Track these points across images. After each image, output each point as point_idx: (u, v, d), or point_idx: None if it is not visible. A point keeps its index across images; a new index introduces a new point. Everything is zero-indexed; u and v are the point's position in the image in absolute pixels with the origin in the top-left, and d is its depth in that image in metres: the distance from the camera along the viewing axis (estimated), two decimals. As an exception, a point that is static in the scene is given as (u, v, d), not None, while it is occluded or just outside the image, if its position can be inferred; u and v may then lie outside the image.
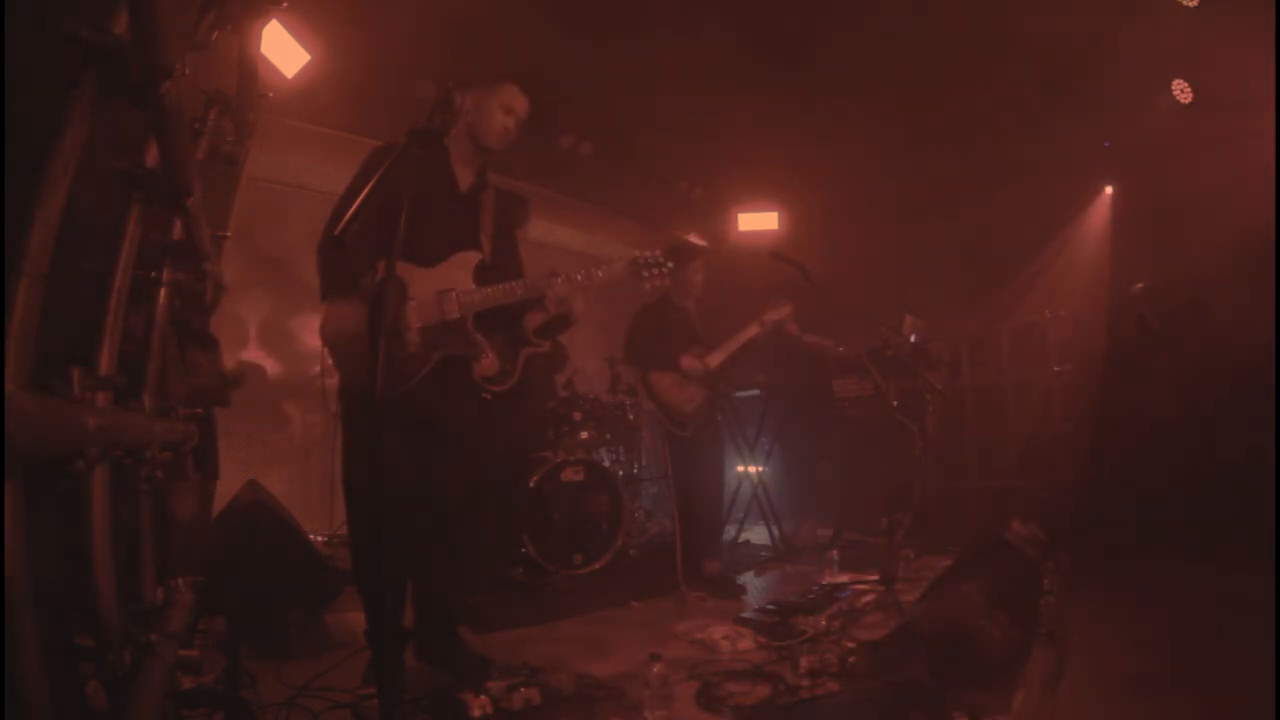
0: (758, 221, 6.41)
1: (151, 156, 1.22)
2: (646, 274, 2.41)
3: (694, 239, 4.05)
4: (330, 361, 2.11)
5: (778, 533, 4.62)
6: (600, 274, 2.30)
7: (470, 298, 2.13)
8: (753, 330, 3.70)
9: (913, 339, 4.65)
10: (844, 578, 3.38)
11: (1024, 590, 2.29)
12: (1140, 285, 4.52)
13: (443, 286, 2.11)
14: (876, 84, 4.82)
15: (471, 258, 2.20)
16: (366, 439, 2.01)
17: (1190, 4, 4.38)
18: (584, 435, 4.19)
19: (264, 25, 2.02)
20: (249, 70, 1.83)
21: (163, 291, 1.39)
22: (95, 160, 0.96)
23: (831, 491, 5.17)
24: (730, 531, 4.50)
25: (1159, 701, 1.84)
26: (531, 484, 3.66)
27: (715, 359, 3.68)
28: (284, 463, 4.78)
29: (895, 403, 3.83)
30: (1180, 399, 3.88)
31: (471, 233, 2.24)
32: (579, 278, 2.25)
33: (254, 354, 4.83)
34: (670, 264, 2.45)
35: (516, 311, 2.26)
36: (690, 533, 3.55)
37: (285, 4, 2.26)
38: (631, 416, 4.55)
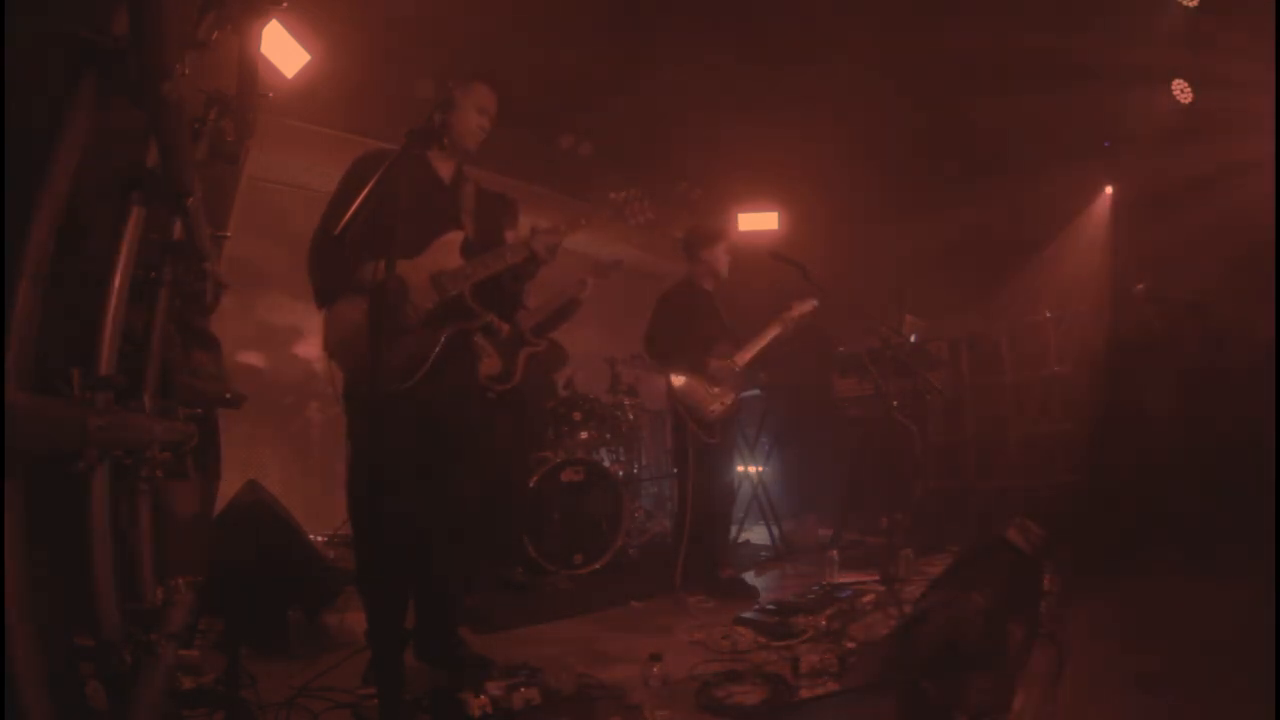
0: (758, 221, 6.40)
1: (151, 156, 1.22)
2: (629, 210, 2.39)
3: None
4: (334, 364, 2.12)
5: (778, 533, 4.62)
6: (584, 222, 2.32)
7: (463, 271, 2.16)
8: (777, 327, 3.62)
9: (913, 339, 4.65)
10: (844, 578, 3.38)
11: (1024, 590, 2.29)
12: (1141, 285, 4.52)
13: (433, 270, 2.14)
14: (876, 84, 4.82)
15: (456, 240, 2.22)
16: (370, 438, 2.02)
17: (1190, 4, 4.38)
18: (584, 435, 4.19)
19: (264, 25, 2.01)
20: (249, 70, 1.83)
21: (163, 291, 1.39)
22: (95, 160, 0.96)
23: (831, 491, 5.16)
24: (730, 531, 4.50)
25: (1159, 701, 1.84)
26: (531, 484, 3.66)
27: (743, 358, 3.57)
28: (284, 463, 4.78)
29: (895, 403, 3.82)
30: (1180, 400, 3.87)
31: (453, 215, 2.27)
32: (563, 228, 2.26)
33: (253, 354, 4.84)
34: (649, 199, 2.40)
35: (511, 279, 2.28)
36: (704, 538, 3.49)
37: (285, 4, 2.26)
38: (631, 416, 4.55)
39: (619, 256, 3.73)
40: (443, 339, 2.12)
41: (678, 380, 3.50)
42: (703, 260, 3.66)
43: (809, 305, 3.65)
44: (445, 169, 2.32)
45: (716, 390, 3.51)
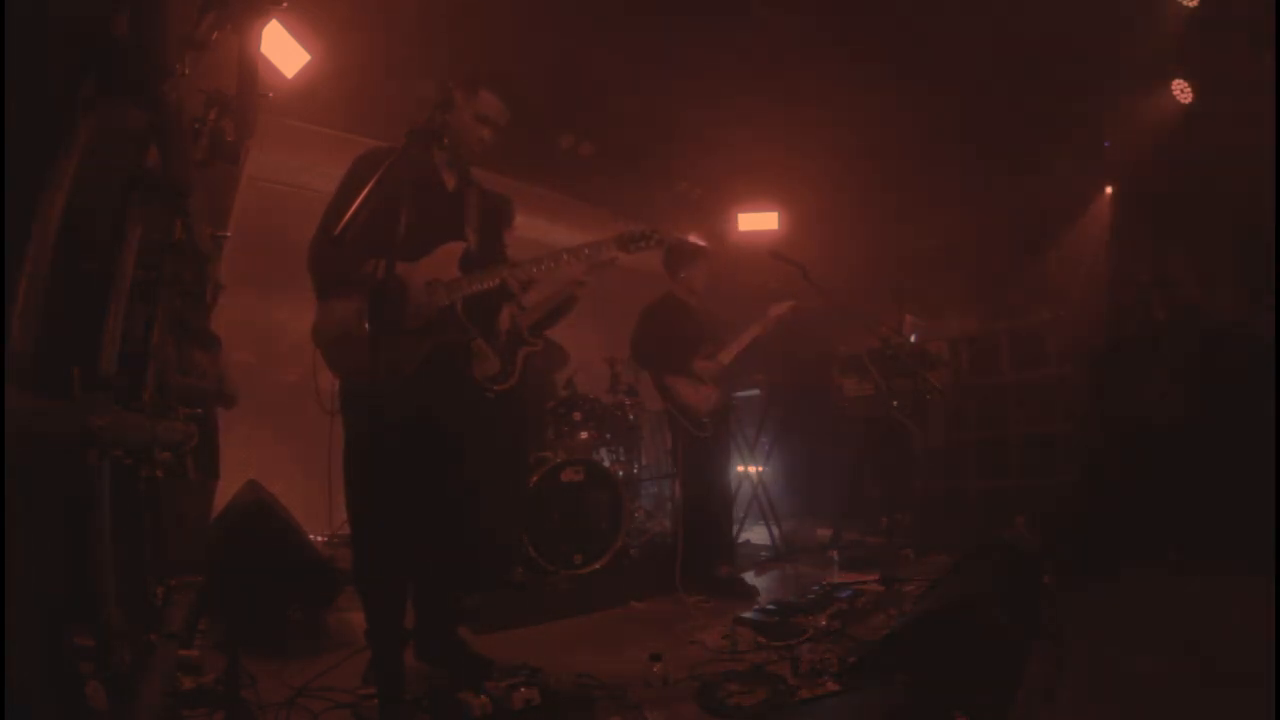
0: (758, 221, 6.40)
1: (151, 156, 1.22)
2: (634, 247, 2.39)
3: (694, 239, 4.11)
4: (323, 362, 2.11)
5: (778, 533, 4.62)
6: (587, 252, 2.31)
7: (457, 284, 2.15)
8: (758, 328, 3.70)
9: (913, 339, 4.65)
10: (844, 578, 3.38)
11: (1024, 590, 2.29)
12: (1146, 275, 4.52)
13: (430, 278, 2.13)
14: (877, 84, 4.82)
15: (457, 249, 2.21)
16: (367, 438, 2.02)
17: (1190, 4, 4.38)
18: (584, 435, 4.18)
19: (264, 25, 2.01)
20: (249, 70, 1.83)
21: (163, 291, 1.39)
22: (96, 160, 0.96)
23: (831, 491, 5.17)
24: (730, 531, 4.50)
25: (1159, 702, 1.84)
26: (531, 484, 3.66)
27: (726, 356, 3.68)
28: (284, 462, 4.78)
29: (895, 403, 3.83)
30: (1180, 399, 3.87)
31: (456, 226, 2.26)
32: (565, 257, 2.25)
33: (253, 354, 4.84)
34: (657, 236, 2.41)
35: (505, 296, 2.27)
36: (700, 536, 3.52)
37: (285, 4, 2.26)
38: (631, 416, 4.55)
39: (608, 235, 3.74)
40: (429, 347, 2.11)
41: (671, 381, 3.58)
42: (681, 279, 3.75)
43: (785, 307, 3.72)
44: (450, 175, 2.30)
45: (704, 388, 3.60)
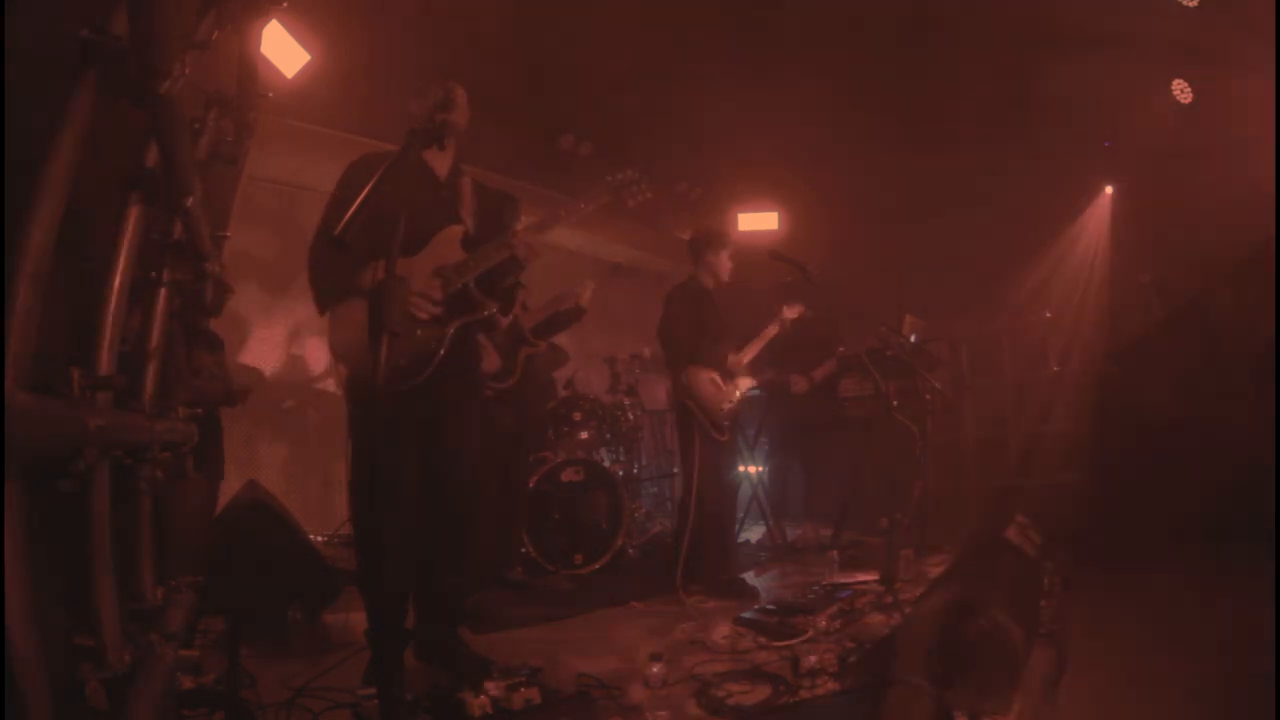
0: (758, 221, 6.40)
1: (151, 156, 1.22)
2: (626, 194, 2.38)
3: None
4: (341, 366, 2.12)
5: (778, 532, 4.62)
6: (582, 205, 2.32)
7: (465, 265, 2.17)
8: (774, 329, 3.65)
9: (913, 339, 4.64)
10: (844, 578, 3.37)
11: (1024, 590, 2.29)
12: (1146, 275, 4.53)
13: (435, 265, 2.14)
14: (877, 84, 4.82)
15: (456, 234, 2.23)
16: (374, 439, 2.02)
17: (1190, 4, 4.38)
18: (584, 435, 4.19)
19: (264, 25, 2.01)
20: (249, 70, 1.83)
21: (162, 292, 1.39)
22: (95, 160, 0.96)
23: (831, 491, 5.16)
24: (732, 531, 4.50)
25: (1159, 701, 1.84)
26: (531, 484, 3.66)
27: (744, 357, 3.60)
28: (283, 462, 4.79)
29: (895, 403, 3.82)
30: (1181, 398, 3.87)
31: (451, 211, 2.27)
32: (562, 213, 2.27)
33: (253, 354, 4.84)
34: (647, 179, 2.39)
35: (500, 275, 2.27)
36: (705, 537, 3.44)
37: (285, 4, 2.26)
38: (631, 416, 4.55)
39: (618, 260, 3.74)
40: (450, 333, 2.12)
41: (694, 375, 3.45)
42: (706, 263, 3.64)
43: (797, 311, 3.67)
44: (441, 165, 2.32)
45: (727, 386, 3.50)
